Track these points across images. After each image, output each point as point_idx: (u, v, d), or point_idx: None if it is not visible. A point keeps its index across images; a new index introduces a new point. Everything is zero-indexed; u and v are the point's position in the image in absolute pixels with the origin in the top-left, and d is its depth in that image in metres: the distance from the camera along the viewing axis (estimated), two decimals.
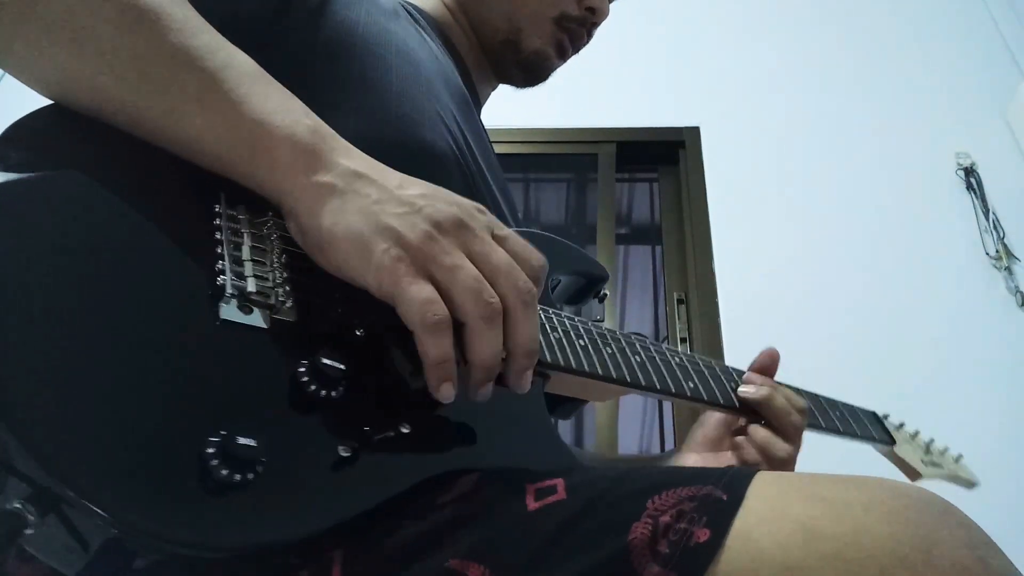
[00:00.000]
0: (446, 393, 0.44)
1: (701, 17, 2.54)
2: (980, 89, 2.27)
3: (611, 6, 0.88)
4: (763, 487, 0.39)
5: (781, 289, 1.93)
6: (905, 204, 2.08)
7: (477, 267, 0.46)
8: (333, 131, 0.50)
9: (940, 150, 2.16)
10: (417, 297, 0.43)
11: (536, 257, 0.50)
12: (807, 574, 0.34)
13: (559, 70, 0.89)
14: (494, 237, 0.49)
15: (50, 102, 0.47)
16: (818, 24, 2.48)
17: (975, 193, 2.06)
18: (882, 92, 2.31)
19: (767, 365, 0.77)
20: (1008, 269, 1.93)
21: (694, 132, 2.30)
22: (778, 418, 0.70)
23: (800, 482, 0.40)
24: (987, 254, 1.97)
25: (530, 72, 0.86)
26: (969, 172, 2.10)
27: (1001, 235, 1.98)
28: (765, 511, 0.37)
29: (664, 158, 2.35)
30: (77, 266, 0.38)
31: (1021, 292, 1.89)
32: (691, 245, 2.10)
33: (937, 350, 1.82)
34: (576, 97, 2.17)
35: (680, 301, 2.05)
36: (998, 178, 2.09)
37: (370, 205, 0.46)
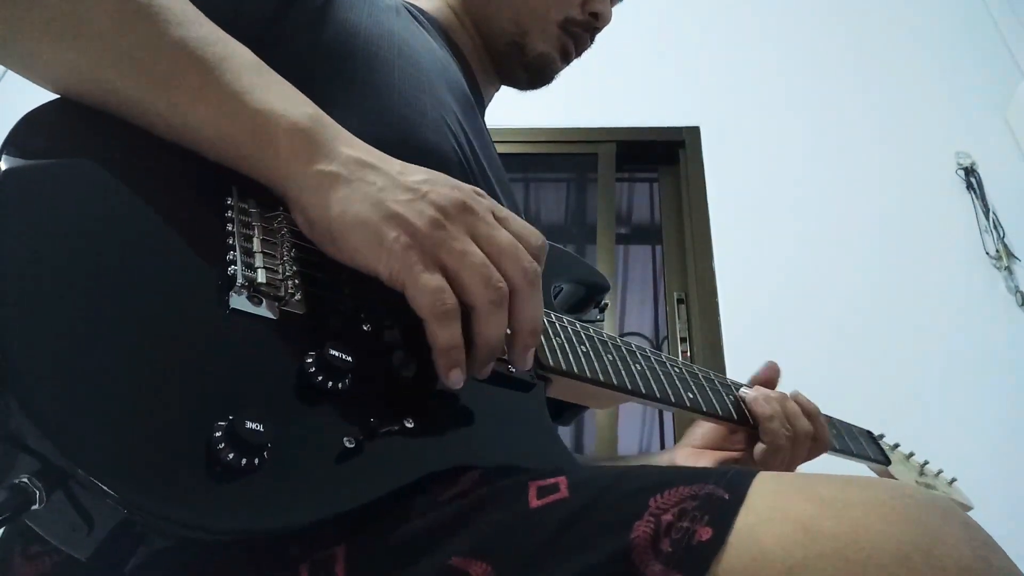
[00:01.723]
0: (455, 378, 0.45)
1: (701, 17, 2.54)
2: (980, 89, 2.27)
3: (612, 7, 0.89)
4: (764, 487, 0.39)
5: (781, 289, 1.94)
6: (905, 204, 2.08)
7: (483, 249, 0.47)
8: (333, 120, 0.50)
9: (940, 150, 2.16)
10: (428, 286, 0.44)
11: (536, 235, 0.51)
12: (808, 573, 0.34)
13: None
14: (495, 218, 0.50)
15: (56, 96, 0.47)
16: (818, 24, 2.48)
17: (975, 193, 2.06)
18: (882, 92, 2.31)
19: (770, 379, 0.79)
20: (1008, 269, 1.93)
21: (694, 132, 2.30)
22: (771, 437, 0.71)
23: (801, 482, 0.40)
24: (987, 254, 1.97)
25: (535, 75, 0.87)
26: (969, 172, 2.10)
27: (1001, 235, 1.98)
28: (766, 510, 0.37)
29: (664, 158, 2.35)
30: (90, 252, 0.39)
31: (1021, 292, 1.89)
32: (691, 245, 2.10)
33: (937, 350, 1.82)
34: (576, 97, 2.17)
35: (680, 301, 2.05)
36: (998, 178, 2.09)
37: (376, 193, 0.46)
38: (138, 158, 0.46)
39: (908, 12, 2.48)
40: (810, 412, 0.76)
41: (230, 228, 0.46)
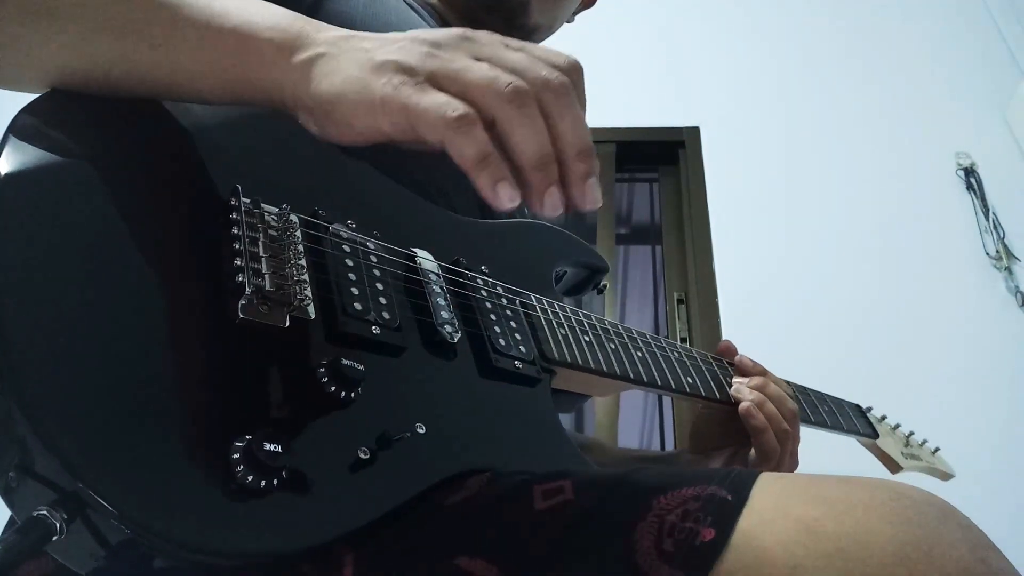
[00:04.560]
0: (504, 194, 0.38)
1: (701, 17, 2.54)
2: (980, 89, 2.28)
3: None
4: (767, 487, 0.39)
5: (781, 289, 1.94)
6: (905, 204, 2.08)
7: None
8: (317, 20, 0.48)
9: (940, 150, 2.16)
10: (430, 105, 0.39)
11: (562, 55, 0.44)
12: (810, 573, 0.35)
13: None
14: (508, 47, 0.44)
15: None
16: (818, 24, 2.48)
17: (975, 193, 2.07)
18: (882, 92, 2.31)
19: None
20: (1008, 269, 1.93)
21: (694, 132, 2.30)
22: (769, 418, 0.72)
23: (803, 483, 0.40)
24: (987, 254, 1.97)
25: (507, 11, 0.80)
26: (969, 172, 2.11)
27: (1001, 235, 1.98)
28: (769, 511, 0.38)
29: (664, 158, 2.35)
30: (92, 262, 0.38)
31: (1021, 292, 1.89)
32: (691, 245, 2.10)
33: (937, 350, 1.82)
34: None
35: (680, 301, 2.05)
36: (998, 178, 2.09)
37: (364, 54, 0.44)
38: (139, 159, 0.45)
39: (908, 12, 2.48)
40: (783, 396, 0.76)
41: (236, 231, 0.44)
